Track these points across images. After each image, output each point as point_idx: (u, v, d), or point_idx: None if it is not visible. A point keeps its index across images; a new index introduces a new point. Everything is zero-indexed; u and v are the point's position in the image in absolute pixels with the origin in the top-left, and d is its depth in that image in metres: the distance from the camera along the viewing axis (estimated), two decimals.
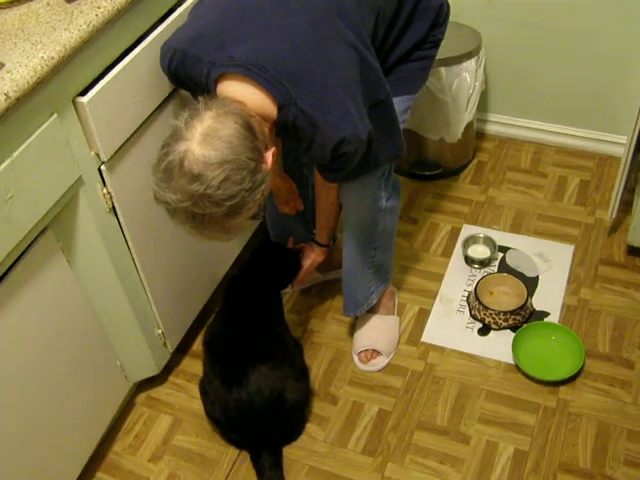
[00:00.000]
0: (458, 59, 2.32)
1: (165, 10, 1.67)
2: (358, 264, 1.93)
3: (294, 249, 2.05)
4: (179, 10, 1.65)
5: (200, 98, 1.34)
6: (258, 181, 1.33)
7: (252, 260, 1.97)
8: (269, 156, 1.37)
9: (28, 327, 1.51)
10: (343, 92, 1.43)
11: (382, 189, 1.78)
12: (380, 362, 2.05)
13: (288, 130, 1.44)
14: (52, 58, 1.32)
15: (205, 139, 1.28)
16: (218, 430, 1.92)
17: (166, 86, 1.65)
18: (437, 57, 2.21)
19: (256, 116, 1.37)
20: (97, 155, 1.52)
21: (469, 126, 2.51)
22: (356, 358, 2.07)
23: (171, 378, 2.08)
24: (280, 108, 1.40)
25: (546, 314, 2.12)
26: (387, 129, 1.60)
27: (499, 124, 2.74)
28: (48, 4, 1.47)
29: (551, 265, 2.26)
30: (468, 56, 2.33)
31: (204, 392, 1.87)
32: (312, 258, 1.99)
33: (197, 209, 1.30)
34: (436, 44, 1.76)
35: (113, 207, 1.62)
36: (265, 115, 1.40)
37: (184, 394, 2.04)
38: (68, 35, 1.37)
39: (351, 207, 1.80)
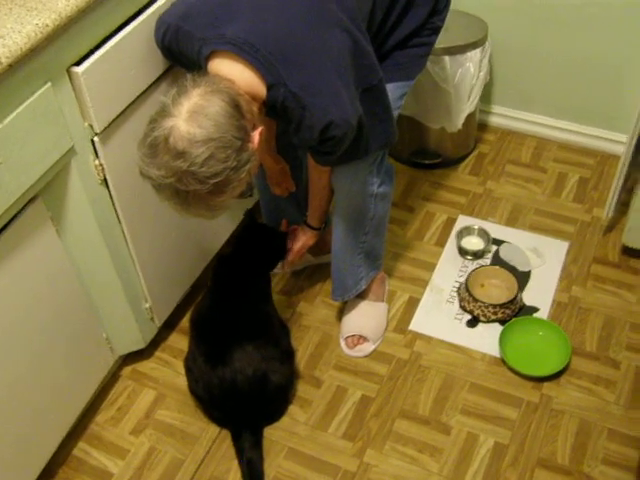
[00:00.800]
0: (463, 48, 2.30)
1: None
2: (348, 249, 1.92)
3: (280, 231, 2.04)
4: None
5: (188, 75, 1.34)
6: (243, 160, 1.33)
7: (238, 241, 1.96)
8: (256, 135, 1.37)
9: (14, 295, 1.51)
10: (334, 75, 1.42)
11: (374, 175, 1.77)
12: (366, 348, 2.05)
13: (277, 110, 1.44)
14: (47, 26, 1.32)
15: (191, 116, 1.28)
16: (201, 407, 1.93)
17: (163, 62, 1.64)
18: (442, 46, 2.23)
19: (245, 95, 1.36)
20: (90, 126, 1.52)
21: (471, 117, 2.50)
22: (343, 343, 2.07)
23: (157, 353, 2.09)
24: (269, 88, 1.39)
25: (536, 309, 2.12)
26: (379, 115, 1.59)
27: (502, 116, 2.73)
28: None
29: (544, 260, 2.25)
30: (473, 46, 2.31)
31: (188, 369, 1.88)
32: (303, 241, 1.98)
33: (181, 186, 1.29)
34: (435, 31, 1.74)
35: (105, 179, 1.61)
36: (254, 94, 1.39)
37: (169, 369, 2.04)
38: (65, 3, 1.35)
39: (342, 191, 1.79)
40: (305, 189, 1.99)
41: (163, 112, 1.30)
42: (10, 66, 1.27)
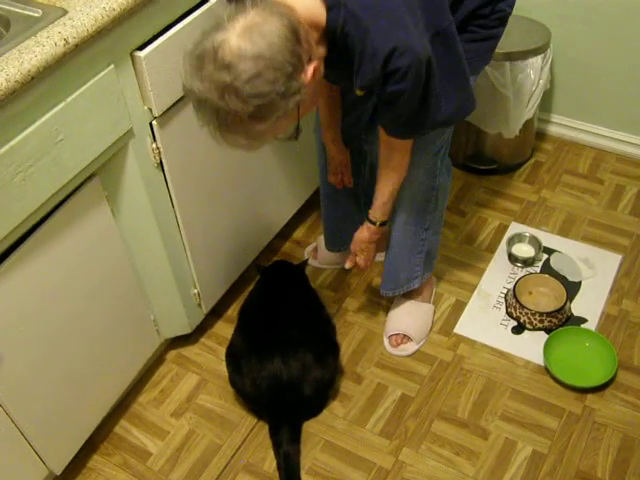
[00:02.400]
0: (524, 55, 2.28)
1: None
2: (407, 244, 1.91)
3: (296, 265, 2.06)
4: None
5: None
6: (293, 88, 1.26)
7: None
8: (310, 69, 1.30)
9: (67, 269, 1.56)
10: (399, 0, 1.35)
11: (437, 166, 1.75)
12: (410, 348, 2.05)
13: (337, 41, 1.37)
14: (113, 9, 1.36)
15: (245, 31, 1.22)
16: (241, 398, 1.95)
17: None
18: (502, 51, 2.22)
19: (304, 24, 1.30)
20: (150, 110, 1.55)
21: (529, 124, 2.48)
22: (386, 341, 2.08)
23: (203, 339, 2.12)
24: (329, 9, 1.33)
25: (584, 320, 2.09)
26: (450, 67, 1.49)
27: (561, 126, 2.70)
28: None
29: (596, 272, 2.22)
30: (534, 52, 2.29)
31: (232, 363, 1.89)
32: (367, 237, 1.86)
33: (222, 103, 1.24)
34: (502, 21, 1.65)
35: (161, 163, 1.65)
36: (314, 22, 1.34)
37: (213, 356, 2.08)
38: None
39: (407, 179, 1.73)
40: (365, 184, 1.99)
41: (217, 25, 1.25)
42: (76, 46, 1.31)
